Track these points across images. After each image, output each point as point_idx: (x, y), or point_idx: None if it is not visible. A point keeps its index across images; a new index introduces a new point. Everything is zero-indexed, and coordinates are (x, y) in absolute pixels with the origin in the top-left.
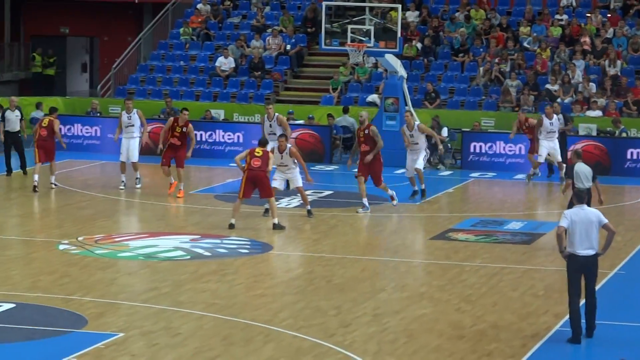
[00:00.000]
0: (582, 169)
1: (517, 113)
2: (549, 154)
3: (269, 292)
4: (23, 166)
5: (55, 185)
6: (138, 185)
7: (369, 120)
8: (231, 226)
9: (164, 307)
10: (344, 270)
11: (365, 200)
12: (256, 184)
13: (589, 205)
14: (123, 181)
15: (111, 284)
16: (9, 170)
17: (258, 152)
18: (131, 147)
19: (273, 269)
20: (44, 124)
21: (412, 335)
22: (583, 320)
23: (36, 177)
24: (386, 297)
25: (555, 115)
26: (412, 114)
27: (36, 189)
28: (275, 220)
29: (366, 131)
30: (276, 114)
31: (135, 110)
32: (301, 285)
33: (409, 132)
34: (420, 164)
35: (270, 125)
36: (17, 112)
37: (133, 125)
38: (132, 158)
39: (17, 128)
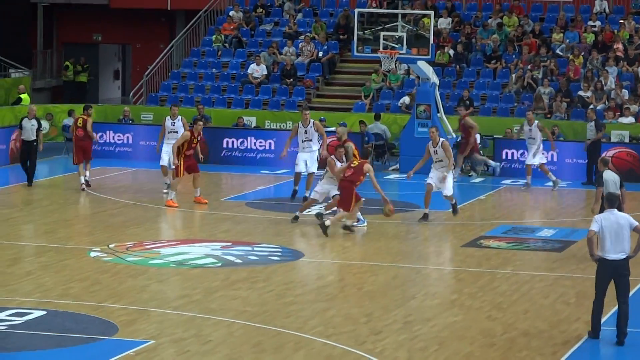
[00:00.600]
0: (610, 177)
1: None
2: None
3: (300, 300)
4: (30, 178)
5: (87, 185)
6: (165, 191)
7: (345, 135)
8: (342, 227)
9: (194, 314)
10: (374, 278)
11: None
12: (341, 192)
13: (620, 211)
14: (167, 183)
15: (142, 292)
16: (30, 180)
17: (354, 163)
18: (173, 152)
19: (304, 277)
20: (79, 123)
21: (442, 343)
22: (607, 327)
23: (82, 178)
24: (417, 305)
25: (535, 122)
26: (437, 130)
27: (85, 185)
28: (327, 222)
29: (343, 147)
30: (312, 119)
31: (179, 117)
32: (332, 292)
33: (433, 148)
34: (449, 189)
35: (306, 132)
36: (33, 122)
37: (177, 132)
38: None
39: (33, 137)
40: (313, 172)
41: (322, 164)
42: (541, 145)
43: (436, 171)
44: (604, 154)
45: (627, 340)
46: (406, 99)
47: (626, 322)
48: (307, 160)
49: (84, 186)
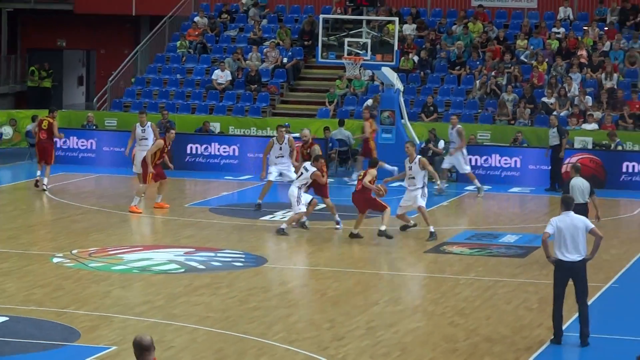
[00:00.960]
0: (578, 184)
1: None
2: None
3: (263, 306)
4: None
5: (46, 188)
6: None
7: (311, 138)
8: (354, 235)
9: (157, 320)
10: (337, 284)
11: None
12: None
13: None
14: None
15: (105, 297)
16: None
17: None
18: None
19: (267, 282)
20: (44, 125)
21: (405, 348)
22: (569, 332)
23: (45, 179)
24: (380, 311)
25: (457, 126)
26: (413, 145)
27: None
28: (355, 231)
29: (309, 150)
30: (286, 135)
31: (149, 123)
32: (295, 298)
33: (408, 164)
34: (421, 200)
35: (281, 148)
36: None
37: (147, 139)
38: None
39: None
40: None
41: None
42: (465, 151)
43: (409, 193)
44: (567, 160)
45: (591, 344)
46: (369, 101)
47: (587, 323)
48: (280, 171)
49: (44, 187)
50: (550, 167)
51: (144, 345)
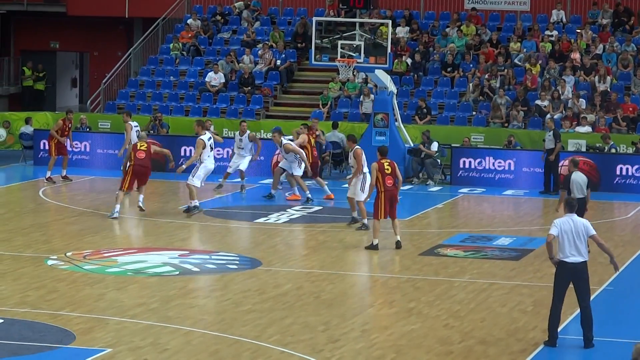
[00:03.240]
0: (578, 178)
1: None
2: None
3: (257, 308)
4: None
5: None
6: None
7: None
8: (374, 247)
9: (152, 322)
10: (332, 286)
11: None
12: (392, 202)
13: (582, 215)
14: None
15: (99, 300)
16: None
17: (387, 169)
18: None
19: (261, 285)
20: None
21: (400, 351)
22: (563, 335)
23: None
24: (374, 313)
25: (247, 133)
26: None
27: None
28: (398, 238)
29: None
30: (248, 131)
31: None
32: (289, 301)
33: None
34: (357, 194)
35: (241, 140)
36: None
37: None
38: None
39: None
40: (242, 170)
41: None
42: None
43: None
44: (561, 163)
45: (585, 347)
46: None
47: (590, 326)
48: (239, 163)
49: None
50: (544, 170)
51: None
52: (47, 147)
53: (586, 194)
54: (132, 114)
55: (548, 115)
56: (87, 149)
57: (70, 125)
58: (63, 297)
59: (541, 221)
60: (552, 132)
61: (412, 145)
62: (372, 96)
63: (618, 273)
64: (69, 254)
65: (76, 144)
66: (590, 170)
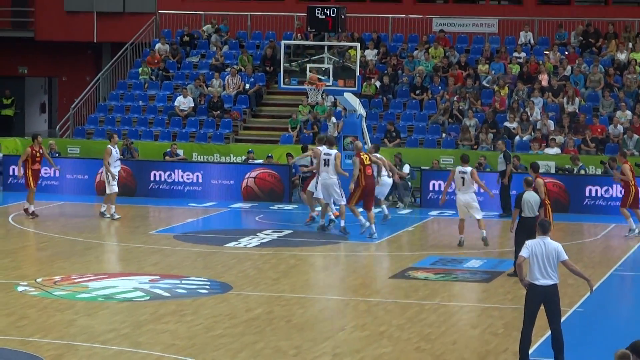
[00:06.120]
0: (530, 197)
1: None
2: None
3: (229, 333)
4: None
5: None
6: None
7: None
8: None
9: (123, 348)
10: (303, 310)
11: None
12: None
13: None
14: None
15: (70, 326)
16: None
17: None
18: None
19: (232, 309)
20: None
21: None
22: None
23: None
24: (346, 337)
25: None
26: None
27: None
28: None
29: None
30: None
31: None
32: (261, 325)
33: None
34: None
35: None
36: None
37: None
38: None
39: None
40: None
41: None
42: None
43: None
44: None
45: None
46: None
47: (561, 349)
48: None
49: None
50: (500, 193)
51: None
52: (16, 174)
53: (537, 213)
54: (95, 139)
55: (517, 137)
56: (56, 175)
57: (41, 151)
58: (33, 323)
59: (511, 243)
60: (502, 154)
61: None
62: (333, 119)
63: (588, 295)
64: (39, 280)
65: (45, 170)
66: (559, 192)
